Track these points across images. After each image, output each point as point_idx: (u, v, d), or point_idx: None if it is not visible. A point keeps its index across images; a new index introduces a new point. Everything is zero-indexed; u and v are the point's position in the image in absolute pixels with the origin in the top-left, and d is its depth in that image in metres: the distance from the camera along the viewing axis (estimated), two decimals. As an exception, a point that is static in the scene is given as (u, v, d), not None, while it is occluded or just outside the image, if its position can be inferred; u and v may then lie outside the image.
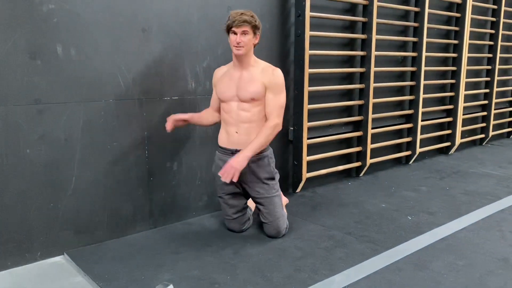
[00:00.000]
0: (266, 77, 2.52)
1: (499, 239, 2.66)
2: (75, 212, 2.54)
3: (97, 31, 2.49)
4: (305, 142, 3.51)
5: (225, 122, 2.65)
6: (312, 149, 3.66)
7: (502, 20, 5.36)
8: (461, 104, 5.01)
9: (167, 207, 2.93)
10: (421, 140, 4.65)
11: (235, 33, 2.45)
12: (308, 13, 3.35)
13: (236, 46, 2.46)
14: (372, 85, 3.95)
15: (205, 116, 2.79)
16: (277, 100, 2.54)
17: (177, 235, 2.74)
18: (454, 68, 4.93)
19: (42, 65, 2.33)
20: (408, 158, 4.63)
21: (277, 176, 2.70)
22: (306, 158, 3.54)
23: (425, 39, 4.37)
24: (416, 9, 4.31)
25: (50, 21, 2.33)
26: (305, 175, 3.56)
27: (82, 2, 2.42)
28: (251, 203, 2.95)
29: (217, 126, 3.06)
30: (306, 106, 3.47)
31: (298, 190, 3.60)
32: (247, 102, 2.55)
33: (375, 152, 4.21)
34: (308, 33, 3.38)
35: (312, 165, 3.68)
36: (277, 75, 2.53)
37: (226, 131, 2.65)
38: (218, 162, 2.68)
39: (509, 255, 2.44)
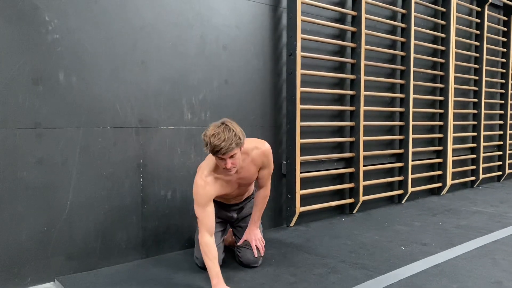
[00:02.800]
0: (259, 161, 2.47)
1: (492, 266, 2.66)
2: (68, 238, 2.53)
3: (98, 61, 2.61)
4: (298, 175, 3.56)
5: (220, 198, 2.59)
6: (305, 183, 3.71)
7: (484, 67, 5.61)
8: (450, 145, 5.14)
9: (160, 237, 2.92)
10: (412, 180, 4.71)
11: (223, 159, 2.21)
12: (299, 53, 3.53)
13: (227, 172, 2.26)
14: (362, 123, 4.08)
15: (215, 255, 2.33)
16: (270, 171, 2.58)
17: (170, 264, 2.72)
18: (441, 111, 5.09)
19: (44, 90, 2.43)
20: (400, 197, 4.67)
21: None
22: (299, 191, 3.58)
23: (411, 82, 4.56)
24: (402, 53, 4.54)
25: (54, 50, 2.45)
26: (299, 209, 3.59)
27: (85, 33, 2.56)
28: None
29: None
30: (299, 140, 3.56)
31: (292, 224, 3.61)
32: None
33: (368, 190, 4.26)
34: (299, 71, 3.54)
35: (305, 200, 3.71)
36: (268, 154, 2.48)
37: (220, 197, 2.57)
38: None
39: (503, 279, 2.44)
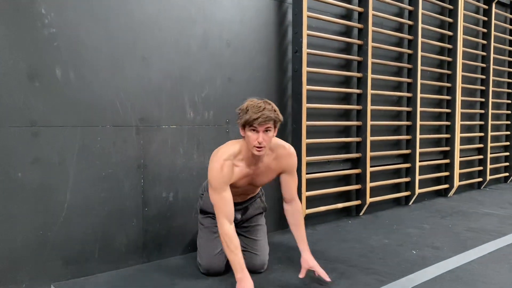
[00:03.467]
0: (283, 164, 2.34)
1: (509, 271, 2.55)
2: (65, 241, 2.41)
3: (97, 57, 2.50)
4: (304, 176, 3.44)
5: None
6: (311, 185, 3.59)
7: (491, 66, 5.50)
8: (458, 146, 5.02)
9: (162, 240, 2.80)
10: (419, 181, 4.60)
11: (256, 131, 2.12)
12: (305, 50, 3.41)
13: (257, 147, 2.13)
14: (369, 122, 3.96)
15: (238, 245, 2.20)
16: (295, 179, 2.42)
17: (172, 269, 2.60)
18: (448, 111, 4.98)
19: (40, 87, 2.31)
20: (407, 199, 4.56)
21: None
22: (305, 193, 3.46)
23: (419, 80, 4.45)
24: (409, 51, 4.42)
25: (51, 45, 2.34)
26: (304, 211, 3.47)
27: (84, 28, 2.45)
28: None
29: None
30: (304, 140, 3.44)
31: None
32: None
33: (375, 191, 4.14)
34: (305, 69, 3.43)
35: (311, 202, 3.59)
36: (293, 156, 2.37)
37: None
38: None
39: (522, 285, 2.32)
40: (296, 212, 2.43)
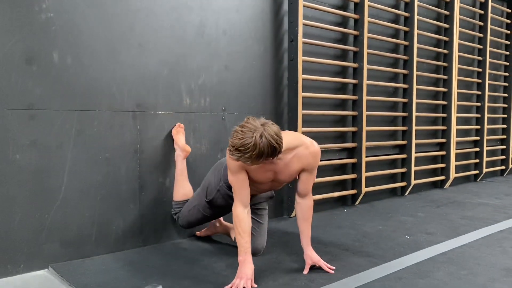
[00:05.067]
0: (304, 161, 2.22)
1: (501, 254, 2.58)
2: (63, 224, 2.45)
3: (94, 42, 2.53)
4: (300, 164, 3.47)
5: None
6: (307, 173, 3.61)
7: (488, 59, 5.53)
8: (454, 138, 5.05)
9: (159, 225, 2.84)
10: (415, 172, 4.63)
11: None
12: (300, 39, 3.44)
13: None
14: (365, 112, 3.99)
15: (247, 230, 2.20)
16: (313, 177, 2.33)
17: (168, 253, 2.63)
18: (444, 103, 5.01)
19: (38, 71, 2.34)
20: (403, 189, 4.59)
21: None
22: (300, 181, 3.49)
23: (415, 72, 4.48)
24: (405, 42, 4.46)
25: (49, 29, 2.37)
26: (300, 199, 3.49)
27: (81, 12, 2.48)
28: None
29: (213, 146, 3.05)
30: (300, 129, 3.47)
31: (293, 214, 3.52)
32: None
33: (370, 181, 4.18)
34: (301, 58, 3.46)
35: (307, 190, 3.62)
36: (316, 155, 2.25)
37: None
38: (227, 199, 2.53)
39: (512, 266, 2.36)
40: (308, 207, 2.37)
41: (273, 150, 1.93)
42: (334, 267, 2.30)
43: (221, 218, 2.87)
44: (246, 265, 2.11)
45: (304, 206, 2.36)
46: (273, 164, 2.17)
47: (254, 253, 2.46)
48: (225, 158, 2.59)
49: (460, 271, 2.28)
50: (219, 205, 2.59)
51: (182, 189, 2.79)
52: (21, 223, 2.31)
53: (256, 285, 2.08)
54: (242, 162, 1.99)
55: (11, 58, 2.26)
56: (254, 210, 2.61)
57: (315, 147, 2.25)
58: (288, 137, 2.13)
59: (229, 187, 2.44)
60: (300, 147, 2.20)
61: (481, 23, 5.50)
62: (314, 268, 2.31)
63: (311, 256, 2.33)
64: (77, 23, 2.47)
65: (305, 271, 2.29)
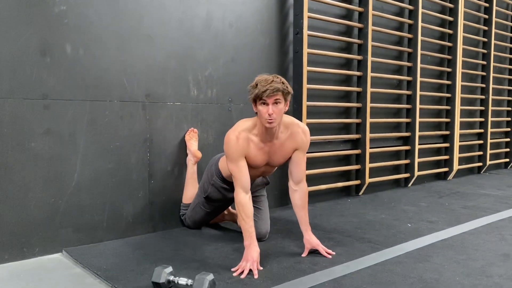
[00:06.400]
0: (297, 140, 2.36)
1: (499, 241, 2.65)
2: (76, 210, 2.54)
3: (105, 34, 2.62)
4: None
5: None
6: (311, 164, 3.70)
7: (492, 52, 5.56)
8: (457, 130, 5.10)
9: (168, 212, 2.93)
10: (419, 163, 4.69)
11: (266, 104, 2.17)
12: (305, 32, 3.51)
13: (268, 119, 2.18)
14: (369, 104, 4.06)
15: (250, 215, 2.28)
16: (305, 158, 2.45)
17: (177, 239, 2.72)
18: (448, 95, 5.06)
19: (51, 62, 2.43)
20: (407, 180, 4.66)
21: None
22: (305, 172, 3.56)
23: (419, 64, 4.53)
24: (410, 35, 4.50)
25: (61, 22, 2.45)
26: (305, 188, 3.57)
27: (92, 6, 2.56)
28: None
29: (219, 137, 3.13)
30: (305, 120, 3.55)
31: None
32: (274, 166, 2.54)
33: (374, 172, 4.25)
34: (306, 50, 3.53)
35: (311, 181, 3.69)
36: (307, 134, 2.39)
37: None
38: (221, 191, 2.67)
39: (511, 252, 2.42)
40: (303, 194, 2.44)
41: (285, 86, 2.19)
42: (333, 252, 2.38)
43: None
44: (252, 248, 2.20)
45: (301, 193, 2.44)
46: (270, 144, 2.33)
47: (259, 239, 2.54)
48: (217, 155, 2.72)
49: (458, 256, 2.36)
50: (216, 198, 2.70)
51: (191, 192, 2.91)
52: (36, 208, 2.41)
53: (261, 268, 2.16)
54: (257, 96, 2.17)
55: (26, 50, 2.35)
56: (252, 198, 2.70)
57: (305, 126, 2.43)
58: (284, 117, 2.32)
59: (223, 180, 2.62)
60: (294, 126, 2.37)
61: (486, 16, 5.52)
62: (315, 252, 2.39)
63: (310, 241, 2.41)
64: (88, 16, 2.55)
65: (304, 254, 2.38)
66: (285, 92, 2.19)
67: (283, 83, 2.20)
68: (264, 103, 2.18)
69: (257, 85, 2.18)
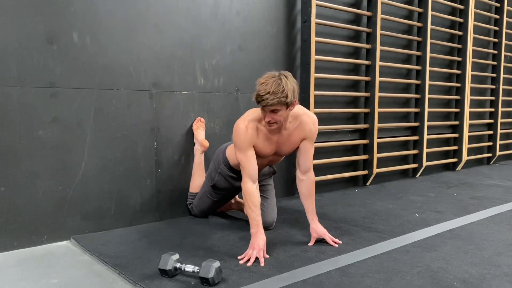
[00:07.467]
0: (306, 130, 2.35)
1: (508, 231, 2.63)
2: (83, 198, 2.56)
3: (112, 22, 2.61)
4: (312, 144, 3.53)
5: None
6: (319, 154, 3.68)
7: (504, 40, 5.48)
8: (467, 120, 5.05)
9: (175, 201, 2.94)
10: (427, 154, 4.65)
11: (265, 110, 2.16)
12: (314, 20, 3.47)
13: (267, 123, 2.20)
14: (378, 94, 4.02)
15: (257, 204, 2.29)
16: (313, 149, 2.45)
17: (183, 227, 2.73)
18: (458, 85, 5.00)
19: (58, 50, 2.43)
20: (415, 171, 4.63)
21: None
22: (312, 161, 3.55)
23: (428, 54, 4.47)
24: (419, 24, 4.44)
25: (68, 10, 2.45)
26: (312, 178, 3.57)
27: (99, -6, 2.55)
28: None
29: (226, 126, 3.12)
30: (312, 110, 3.52)
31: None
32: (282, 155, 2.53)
33: (382, 162, 4.22)
34: (314, 39, 3.49)
35: (318, 170, 3.68)
36: (316, 124, 2.38)
37: None
38: (228, 180, 2.67)
39: (519, 242, 2.41)
40: (311, 183, 2.42)
41: (282, 96, 2.07)
42: (340, 241, 2.38)
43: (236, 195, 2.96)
44: (259, 236, 2.20)
45: (308, 182, 2.43)
46: (278, 135, 2.31)
47: (266, 227, 2.54)
48: (224, 144, 2.71)
49: (467, 245, 2.34)
50: (223, 187, 2.70)
51: (198, 181, 2.91)
52: (44, 196, 2.43)
53: (268, 256, 2.17)
54: (264, 105, 2.10)
55: (34, 38, 2.35)
56: (259, 187, 2.70)
57: (314, 116, 2.40)
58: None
59: (230, 168, 2.62)
60: (303, 116, 2.35)
61: (498, 4, 5.43)
62: (322, 241, 2.38)
63: (317, 230, 2.40)
64: (95, 4, 2.54)
65: (311, 243, 2.37)
66: (282, 103, 2.10)
67: (283, 91, 2.06)
68: (262, 109, 2.16)
69: (256, 87, 2.12)
